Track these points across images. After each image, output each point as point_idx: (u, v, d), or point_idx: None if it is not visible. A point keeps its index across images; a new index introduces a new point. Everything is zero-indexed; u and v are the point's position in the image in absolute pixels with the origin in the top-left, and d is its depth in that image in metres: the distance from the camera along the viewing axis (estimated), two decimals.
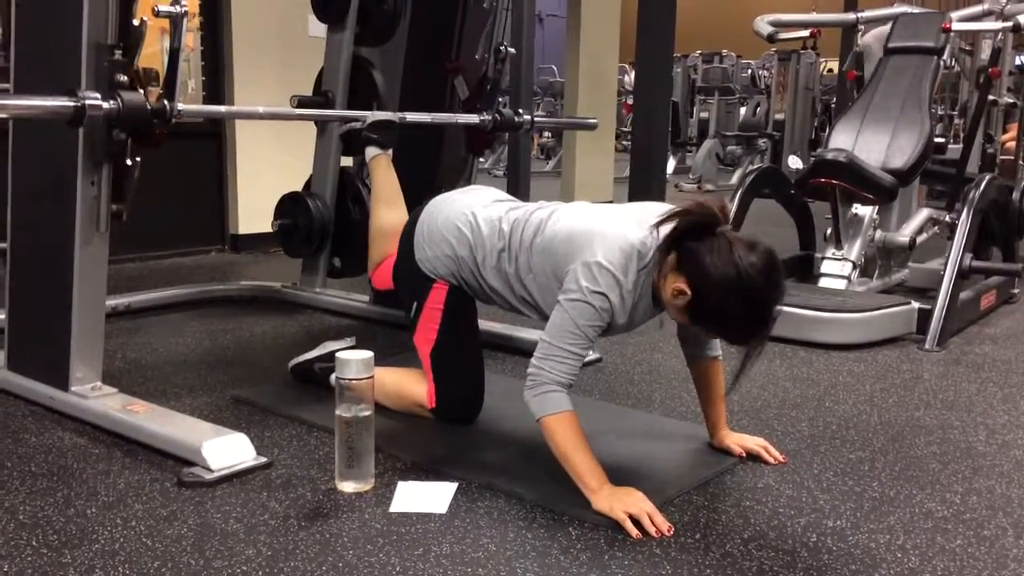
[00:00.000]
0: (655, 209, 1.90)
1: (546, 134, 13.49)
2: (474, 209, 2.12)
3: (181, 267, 4.51)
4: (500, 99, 3.15)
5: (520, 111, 3.18)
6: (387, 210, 2.52)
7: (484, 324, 2.42)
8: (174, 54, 2.12)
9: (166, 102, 2.12)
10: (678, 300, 1.75)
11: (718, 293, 1.69)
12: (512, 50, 3.15)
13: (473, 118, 3.00)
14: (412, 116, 2.74)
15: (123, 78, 2.05)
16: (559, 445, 1.78)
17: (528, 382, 1.82)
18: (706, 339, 2.04)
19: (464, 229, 2.09)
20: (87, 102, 1.96)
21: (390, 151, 2.64)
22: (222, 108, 2.81)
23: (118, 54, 2.06)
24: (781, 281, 1.72)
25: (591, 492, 1.74)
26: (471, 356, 2.25)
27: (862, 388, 2.70)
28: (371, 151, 2.63)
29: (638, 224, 1.85)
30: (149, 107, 2.07)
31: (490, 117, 3.03)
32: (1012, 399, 2.63)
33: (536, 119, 3.25)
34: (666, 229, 1.77)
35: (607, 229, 1.85)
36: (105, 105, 2.00)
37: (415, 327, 2.20)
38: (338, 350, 2.35)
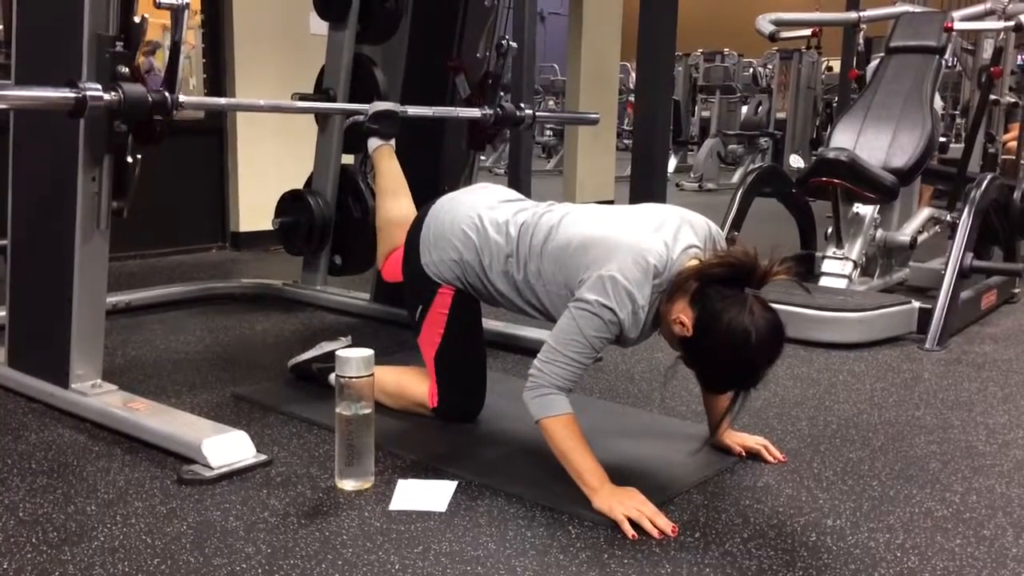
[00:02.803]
0: (673, 217, 1.89)
1: (548, 132, 13.46)
2: (480, 211, 2.10)
3: (182, 264, 4.50)
4: (502, 94, 3.14)
5: (522, 105, 3.16)
6: (392, 201, 2.50)
7: (486, 323, 2.42)
8: (175, 47, 2.11)
9: (167, 94, 2.10)
10: (676, 328, 1.76)
11: (716, 345, 1.71)
12: (514, 44, 3.14)
13: (475, 112, 2.99)
14: (413, 110, 2.72)
15: (124, 70, 2.04)
16: (559, 446, 1.79)
17: (528, 383, 1.82)
18: None
19: (470, 233, 2.07)
20: (88, 93, 1.95)
21: (392, 142, 2.61)
22: (223, 100, 2.79)
23: (119, 46, 2.05)
24: (777, 356, 1.73)
25: (591, 492, 1.74)
26: (475, 359, 2.24)
27: (862, 387, 2.70)
28: (373, 142, 2.59)
29: (656, 234, 1.83)
30: (150, 99, 2.06)
31: (492, 112, 3.02)
32: (1012, 399, 2.63)
33: (538, 114, 3.24)
34: (696, 261, 1.78)
35: (624, 239, 1.82)
36: (106, 96, 1.99)
37: (419, 330, 2.20)
38: (334, 350, 2.35)
